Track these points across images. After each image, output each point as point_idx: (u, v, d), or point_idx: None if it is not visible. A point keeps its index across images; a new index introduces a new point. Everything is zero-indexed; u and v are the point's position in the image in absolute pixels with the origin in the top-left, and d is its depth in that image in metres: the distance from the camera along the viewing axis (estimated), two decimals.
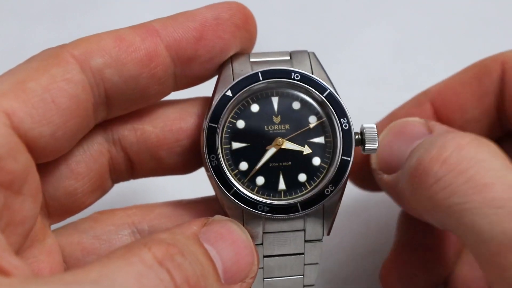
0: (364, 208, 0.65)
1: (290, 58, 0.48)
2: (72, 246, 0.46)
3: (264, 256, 0.46)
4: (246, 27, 0.46)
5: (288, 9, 0.78)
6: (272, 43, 0.51)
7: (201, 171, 0.47)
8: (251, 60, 0.47)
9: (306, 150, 0.46)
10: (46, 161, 0.43)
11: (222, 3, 0.46)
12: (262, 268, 0.47)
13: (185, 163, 0.48)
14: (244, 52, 0.48)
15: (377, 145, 0.46)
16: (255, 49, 0.49)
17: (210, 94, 0.47)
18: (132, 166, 0.48)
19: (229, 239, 0.41)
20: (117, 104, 0.45)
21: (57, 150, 0.42)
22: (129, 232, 0.48)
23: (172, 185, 0.59)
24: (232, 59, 0.47)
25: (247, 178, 0.45)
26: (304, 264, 0.47)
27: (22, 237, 0.40)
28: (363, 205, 0.65)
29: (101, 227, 0.47)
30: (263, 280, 0.47)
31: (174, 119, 0.47)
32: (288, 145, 0.46)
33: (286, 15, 0.77)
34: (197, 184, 0.50)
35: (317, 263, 0.47)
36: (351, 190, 0.60)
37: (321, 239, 0.47)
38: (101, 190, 0.48)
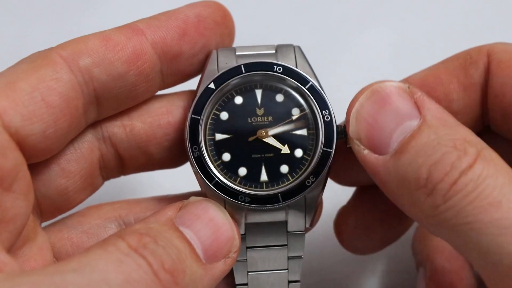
0: None
1: (276, 51, 0.48)
2: (62, 242, 0.47)
3: (247, 248, 0.47)
4: (225, 23, 0.48)
5: (287, 10, 0.78)
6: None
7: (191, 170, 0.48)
8: (237, 53, 0.48)
9: (285, 149, 0.46)
10: (38, 160, 0.44)
11: (200, 2, 0.47)
12: (246, 260, 0.47)
13: (174, 156, 0.49)
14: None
15: None
16: None
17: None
18: (122, 163, 0.49)
19: (206, 218, 0.42)
20: (106, 103, 0.46)
21: (49, 149, 0.43)
22: (116, 225, 0.48)
23: (164, 183, 0.59)
24: (218, 52, 0.48)
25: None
26: (288, 258, 0.48)
27: (13, 235, 0.41)
28: None
29: (89, 221, 0.48)
30: (248, 274, 0.48)
31: (162, 113, 0.48)
32: (270, 137, 0.46)
33: (285, 16, 0.77)
34: (191, 184, 0.50)
35: (300, 257, 0.48)
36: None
37: (304, 231, 0.47)
38: (92, 187, 0.49)
